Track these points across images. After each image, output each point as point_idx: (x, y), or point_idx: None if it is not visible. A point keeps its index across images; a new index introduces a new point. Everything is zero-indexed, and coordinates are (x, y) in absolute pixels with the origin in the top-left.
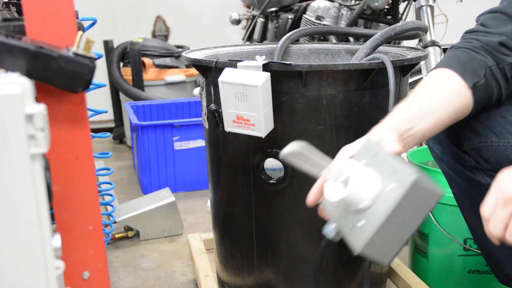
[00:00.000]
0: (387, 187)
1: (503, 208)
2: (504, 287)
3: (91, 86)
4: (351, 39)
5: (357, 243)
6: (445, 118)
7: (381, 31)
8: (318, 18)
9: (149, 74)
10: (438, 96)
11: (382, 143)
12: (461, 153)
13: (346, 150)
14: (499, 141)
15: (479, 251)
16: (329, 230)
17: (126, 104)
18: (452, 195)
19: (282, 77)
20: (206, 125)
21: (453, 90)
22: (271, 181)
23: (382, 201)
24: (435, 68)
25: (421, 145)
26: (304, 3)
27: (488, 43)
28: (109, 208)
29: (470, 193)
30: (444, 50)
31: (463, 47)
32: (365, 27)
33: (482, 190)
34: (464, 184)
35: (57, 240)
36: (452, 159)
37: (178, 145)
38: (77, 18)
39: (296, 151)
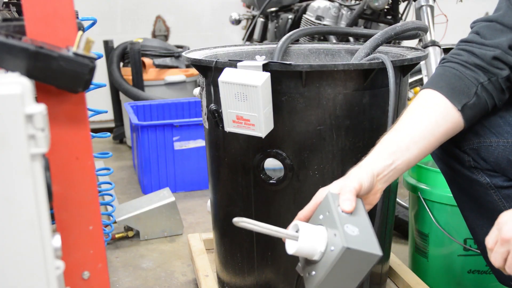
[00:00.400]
0: (330, 247)
1: (501, 246)
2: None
3: (91, 86)
4: (351, 39)
5: None
6: (431, 143)
7: (381, 31)
8: (318, 18)
9: (149, 74)
10: (423, 123)
11: (340, 198)
12: (460, 153)
13: (322, 192)
14: (498, 141)
15: (479, 251)
16: (299, 268)
17: (126, 104)
18: (452, 195)
19: (282, 77)
20: (206, 125)
21: (440, 115)
22: (271, 181)
23: (325, 259)
24: (424, 88)
25: None
26: (304, 3)
27: (482, 57)
28: (109, 208)
29: (470, 193)
30: (444, 50)
31: (453, 61)
32: (365, 27)
33: (481, 190)
34: (463, 183)
35: (57, 240)
36: (452, 159)
37: (178, 145)
38: (77, 18)
39: (247, 219)
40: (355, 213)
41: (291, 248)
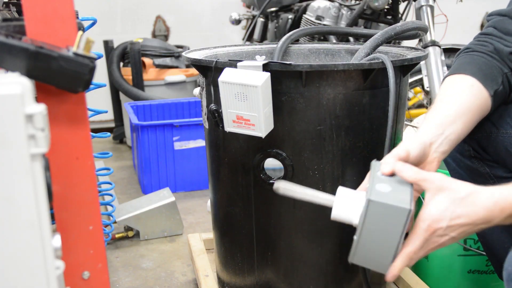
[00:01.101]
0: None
1: (424, 253)
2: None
3: (91, 86)
4: (351, 39)
5: (350, 254)
6: (471, 119)
7: (381, 31)
8: (318, 18)
9: (149, 74)
10: (464, 98)
11: (382, 163)
12: (462, 143)
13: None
14: (497, 132)
15: (479, 251)
16: None
17: (126, 104)
18: None
19: (282, 77)
20: (206, 125)
21: (477, 96)
22: (271, 181)
23: (360, 220)
24: (454, 73)
25: None
26: (304, 3)
27: (500, 50)
28: (109, 208)
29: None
30: (444, 50)
31: (479, 51)
32: (365, 27)
33: (481, 180)
34: (464, 174)
35: (57, 240)
36: (454, 150)
37: (178, 145)
38: (77, 18)
39: (288, 184)
40: (396, 177)
41: (332, 214)
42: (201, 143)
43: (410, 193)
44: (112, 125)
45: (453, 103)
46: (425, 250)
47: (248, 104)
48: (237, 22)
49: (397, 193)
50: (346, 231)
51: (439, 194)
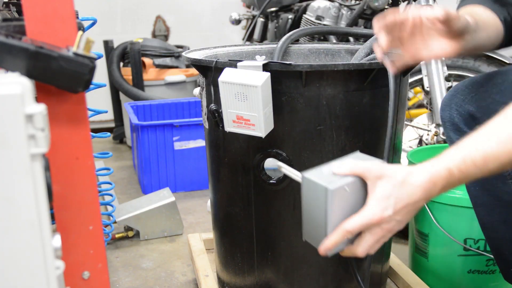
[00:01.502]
0: None
1: (375, 240)
2: (506, 286)
3: (91, 86)
4: (351, 39)
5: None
6: (492, 35)
7: None
8: (318, 18)
9: (149, 74)
10: (483, 17)
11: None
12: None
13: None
14: None
15: (479, 251)
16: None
17: (126, 104)
18: (452, 195)
19: (282, 77)
20: (206, 125)
21: (493, 18)
22: (271, 181)
23: None
24: (462, 6)
25: (421, 145)
26: (304, 3)
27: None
28: (109, 208)
29: (484, 186)
30: None
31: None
32: (365, 27)
33: (496, 182)
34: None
35: (57, 240)
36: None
37: (178, 145)
38: (77, 18)
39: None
40: None
41: None
42: (201, 143)
43: (347, 179)
44: (112, 125)
45: (477, 17)
46: (375, 237)
47: (248, 104)
48: (237, 22)
49: (335, 176)
50: None
51: (379, 182)
